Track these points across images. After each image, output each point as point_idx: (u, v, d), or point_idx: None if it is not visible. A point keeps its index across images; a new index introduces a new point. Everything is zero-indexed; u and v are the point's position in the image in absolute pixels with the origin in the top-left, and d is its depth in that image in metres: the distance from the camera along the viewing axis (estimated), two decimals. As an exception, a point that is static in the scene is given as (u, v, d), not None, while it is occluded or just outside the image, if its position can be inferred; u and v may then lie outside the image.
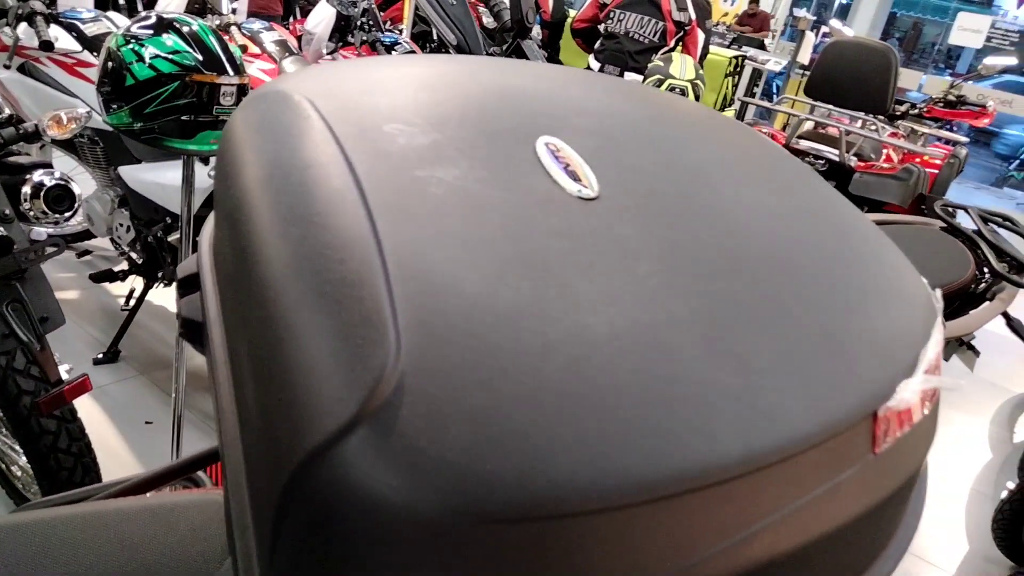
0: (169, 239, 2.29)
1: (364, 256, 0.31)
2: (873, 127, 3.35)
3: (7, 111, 1.61)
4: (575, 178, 0.38)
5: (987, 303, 2.27)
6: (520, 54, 4.35)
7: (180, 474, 0.64)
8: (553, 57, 5.86)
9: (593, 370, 0.29)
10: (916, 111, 4.38)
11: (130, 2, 3.71)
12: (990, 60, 4.38)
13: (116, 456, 2.04)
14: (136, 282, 2.57)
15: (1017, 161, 10.79)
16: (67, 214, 1.58)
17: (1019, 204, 9.45)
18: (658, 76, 3.22)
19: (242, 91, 1.70)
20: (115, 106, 1.64)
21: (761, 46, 8.54)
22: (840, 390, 0.32)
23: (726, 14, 9.95)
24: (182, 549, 0.52)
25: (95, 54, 2.33)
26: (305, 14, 4.23)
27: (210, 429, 2.23)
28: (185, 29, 1.69)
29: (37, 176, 1.57)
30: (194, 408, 2.28)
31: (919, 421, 0.35)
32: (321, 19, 3.29)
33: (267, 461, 0.30)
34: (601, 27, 4.08)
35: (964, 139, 3.91)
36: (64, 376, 1.51)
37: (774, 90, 9.31)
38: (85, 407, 1.61)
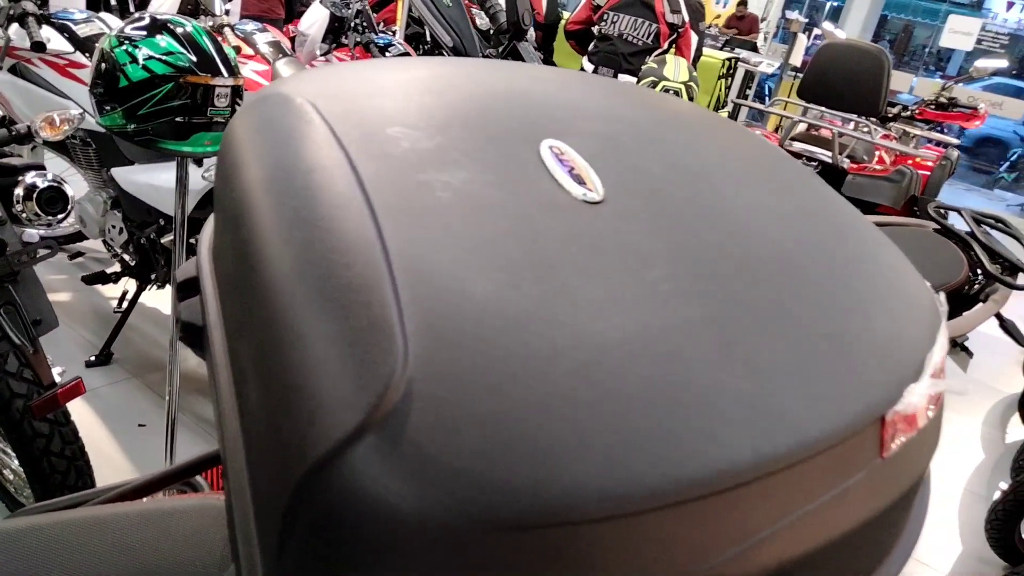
0: (162, 241, 2.28)
1: (370, 260, 0.31)
2: (865, 129, 3.36)
3: (-1, 112, 1.60)
4: (580, 181, 0.38)
5: (980, 304, 2.28)
6: (516, 56, 4.35)
7: (177, 478, 0.63)
8: (547, 59, 5.86)
9: (603, 375, 0.29)
10: (908, 113, 4.40)
11: (122, 3, 3.70)
12: (981, 62, 4.40)
13: (109, 459, 2.02)
14: (129, 284, 2.55)
15: (1007, 163, 10.85)
16: (60, 216, 1.57)
17: (1009, 205, 9.51)
18: (652, 78, 3.22)
19: (236, 92, 1.69)
20: (108, 107, 1.63)
21: (754, 48, 8.57)
22: (849, 394, 0.32)
23: (718, 16, 9.97)
24: (180, 554, 0.51)
25: (87, 55, 2.31)
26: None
27: (204, 432, 2.21)
28: (179, 30, 1.68)
29: (29, 178, 1.56)
30: (187, 411, 2.27)
31: (924, 425, 0.35)
32: (315, 20, 3.28)
33: (272, 467, 0.30)
34: (595, 29, 4.08)
35: (955, 141, 3.93)
36: (57, 379, 1.50)
37: (766, 92, 9.34)
38: (77, 410, 1.60)
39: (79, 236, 2.77)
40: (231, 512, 0.36)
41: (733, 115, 6.88)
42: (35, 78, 2.34)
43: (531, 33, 4.57)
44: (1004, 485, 2.75)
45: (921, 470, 0.37)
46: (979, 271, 2.19)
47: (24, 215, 1.55)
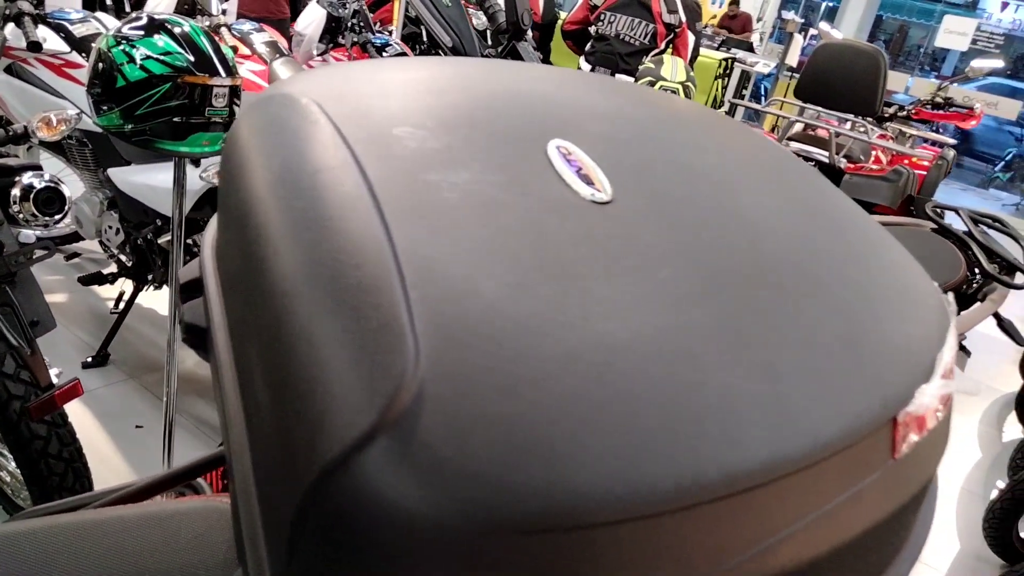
0: (159, 241, 2.27)
1: (379, 261, 0.31)
2: (862, 129, 3.36)
3: (-5, 113, 1.59)
4: (588, 182, 0.38)
5: (978, 304, 2.28)
6: (516, 56, 4.35)
7: (179, 481, 0.63)
8: (544, 59, 5.86)
9: (616, 377, 0.29)
10: (904, 113, 4.41)
11: (117, 3, 3.68)
12: (977, 62, 4.41)
13: (106, 461, 2.02)
14: (126, 285, 2.55)
15: (1002, 163, 10.88)
16: (57, 217, 1.56)
17: (1004, 205, 9.54)
18: (649, 78, 3.23)
19: (234, 93, 1.69)
20: (106, 107, 1.62)
21: (750, 49, 8.57)
22: (862, 395, 0.31)
23: (714, 16, 9.98)
24: (184, 557, 0.51)
25: (84, 55, 2.31)
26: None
27: (202, 434, 2.21)
28: (177, 30, 1.68)
29: (26, 178, 1.55)
30: (185, 412, 2.26)
31: (934, 426, 0.35)
32: (311, 20, 3.27)
33: (281, 470, 0.30)
34: (592, 29, 4.09)
35: (952, 141, 3.94)
36: (54, 380, 1.50)
37: (762, 92, 9.35)
38: (74, 411, 1.59)
39: (75, 237, 2.76)
40: (237, 515, 0.36)
41: (730, 115, 6.89)
42: (31, 78, 2.33)
43: (528, 33, 4.57)
44: (1001, 484, 2.76)
45: (931, 471, 0.37)
46: (977, 270, 2.19)
47: (21, 216, 1.54)
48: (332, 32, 3.43)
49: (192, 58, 1.64)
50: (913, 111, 4.46)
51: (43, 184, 1.55)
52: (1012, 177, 10.92)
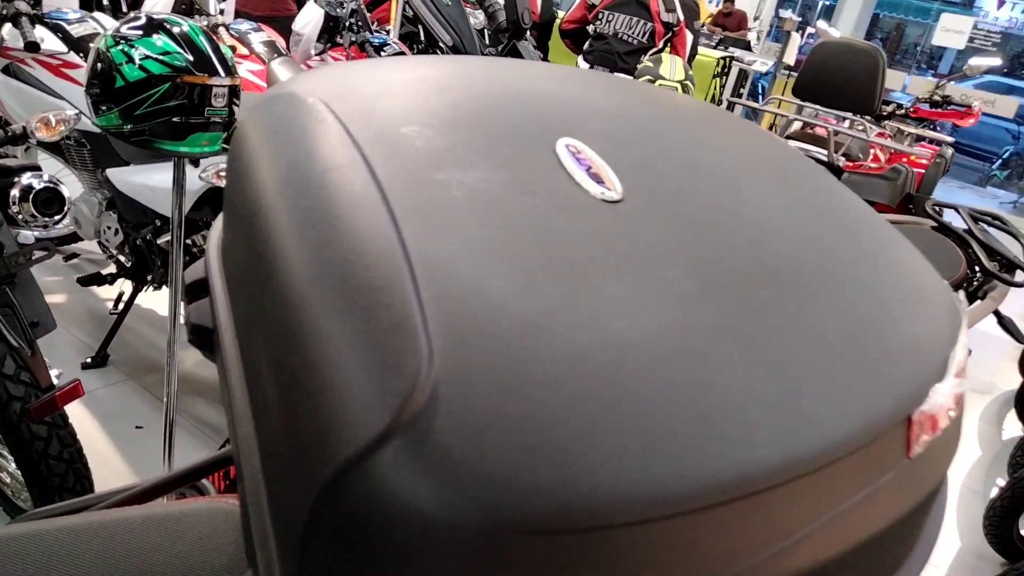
0: (158, 242, 2.26)
1: (391, 261, 0.31)
2: (861, 127, 3.37)
3: (-6, 113, 1.59)
4: (598, 180, 0.38)
5: (979, 302, 2.28)
6: (516, 55, 4.34)
7: (185, 482, 0.63)
8: (543, 58, 5.85)
9: (627, 377, 0.28)
10: (902, 111, 4.41)
11: (114, 3, 3.67)
12: (975, 60, 4.42)
13: (106, 462, 2.01)
14: (125, 285, 2.54)
15: (1000, 160, 10.89)
16: (57, 217, 1.56)
17: (1002, 203, 9.55)
18: (648, 77, 3.23)
19: (234, 92, 1.68)
20: (104, 108, 1.62)
21: (747, 47, 8.57)
22: (876, 394, 0.31)
23: (711, 15, 9.97)
24: (190, 559, 0.51)
25: (81, 55, 2.30)
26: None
27: (202, 434, 2.20)
28: (175, 30, 1.67)
29: (25, 179, 1.55)
30: (185, 413, 2.26)
31: (947, 426, 0.35)
32: (309, 20, 3.26)
33: (292, 471, 0.30)
34: (590, 28, 4.08)
35: (950, 139, 3.95)
36: (55, 381, 1.49)
37: (759, 90, 9.35)
38: (73, 412, 1.59)
39: (74, 237, 2.75)
40: (246, 516, 0.35)
41: (728, 113, 6.88)
42: (29, 78, 2.32)
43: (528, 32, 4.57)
44: (1001, 482, 2.77)
45: (944, 470, 0.37)
46: (977, 268, 2.20)
47: (20, 216, 1.54)
48: (330, 32, 3.42)
49: (191, 58, 1.64)
50: (911, 109, 4.47)
51: (42, 185, 1.55)
52: (1009, 175, 10.93)
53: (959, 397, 0.35)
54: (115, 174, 2.24)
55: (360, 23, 3.46)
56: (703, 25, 7.72)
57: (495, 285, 0.31)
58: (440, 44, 4.04)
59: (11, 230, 1.51)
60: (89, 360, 2.41)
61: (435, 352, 0.28)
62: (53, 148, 2.38)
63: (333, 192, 0.34)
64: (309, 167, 0.36)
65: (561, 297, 0.31)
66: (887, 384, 0.32)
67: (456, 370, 0.27)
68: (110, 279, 2.55)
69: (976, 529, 2.38)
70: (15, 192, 1.54)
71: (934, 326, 0.37)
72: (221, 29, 2.60)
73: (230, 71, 1.69)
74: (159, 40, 1.64)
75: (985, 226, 2.26)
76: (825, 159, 3.31)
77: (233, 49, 2.51)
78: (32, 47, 2.09)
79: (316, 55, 3.36)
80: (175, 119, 1.60)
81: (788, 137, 3.57)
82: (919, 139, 4.17)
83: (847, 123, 3.62)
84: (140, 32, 1.66)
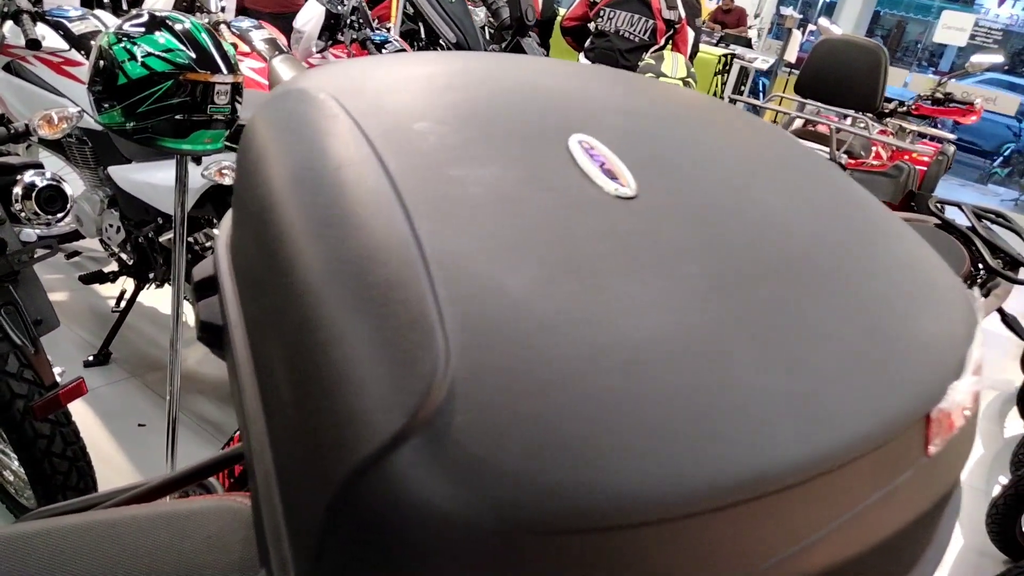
0: (160, 240, 2.26)
1: (406, 258, 0.30)
2: (862, 125, 3.36)
3: (-4, 111, 1.58)
4: (612, 177, 0.37)
5: (982, 299, 2.28)
6: (520, 52, 4.34)
7: (192, 480, 0.62)
8: (545, 55, 5.85)
9: (645, 375, 0.28)
10: (904, 109, 4.41)
11: (115, 0, 3.67)
12: (977, 58, 4.42)
13: (109, 459, 2.01)
14: (127, 283, 2.54)
15: (1000, 158, 10.88)
16: (59, 215, 1.56)
17: (1003, 200, 9.54)
18: (650, 74, 3.22)
19: (236, 90, 1.68)
20: (107, 105, 1.61)
21: (748, 44, 8.56)
22: (894, 392, 0.31)
23: (711, 12, 9.95)
24: (199, 558, 0.50)
25: (83, 53, 2.29)
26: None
27: (205, 432, 2.20)
28: (178, 27, 1.67)
29: (28, 177, 1.55)
30: (188, 410, 2.25)
31: (964, 424, 0.35)
32: (310, 17, 3.26)
33: (307, 470, 0.29)
34: (591, 25, 4.08)
35: (951, 136, 3.94)
36: (58, 379, 1.49)
37: (760, 88, 9.34)
38: (75, 410, 1.58)
39: (75, 235, 2.74)
40: (259, 515, 0.35)
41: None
42: (30, 76, 2.32)
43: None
44: (1004, 480, 2.76)
45: (960, 468, 0.37)
46: (980, 266, 2.19)
47: (23, 214, 1.54)
48: (331, 29, 3.41)
49: (194, 55, 1.64)
50: (913, 106, 4.46)
51: (45, 182, 1.55)
52: (1010, 172, 10.92)
53: (976, 395, 0.35)
54: (117, 172, 2.24)
55: (361, 20, 3.46)
56: (703, 22, 7.71)
57: (511, 282, 0.30)
58: (443, 41, 4.03)
59: (14, 228, 1.51)
60: (91, 358, 2.40)
61: (452, 350, 0.27)
62: (55, 146, 2.38)
63: (346, 188, 0.34)
64: (322, 164, 0.36)
65: (577, 294, 0.31)
66: (906, 382, 0.32)
67: (473, 368, 0.27)
68: (112, 277, 2.55)
69: (979, 527, 2.38)
70: (18, 190, 1.53)
71: (950, 323, 0.36)
72: (222, 26, 2.60)
73: (233, 68, 1.69)
74: (161, 37, 1.64)
75: (988, 223, 2.25)
76: (827, 157, 3.31)
77: (234, 46, 2.51)
78: (33, 44, 2.08)
79: (317, 53, 3.35)
80: (177, 116, 1.60)
81: (790, 135, 3.56)
82: (921, 136, 4.16)
83: (849, 121, 3.61)
84: (142, 29, 1.65)
